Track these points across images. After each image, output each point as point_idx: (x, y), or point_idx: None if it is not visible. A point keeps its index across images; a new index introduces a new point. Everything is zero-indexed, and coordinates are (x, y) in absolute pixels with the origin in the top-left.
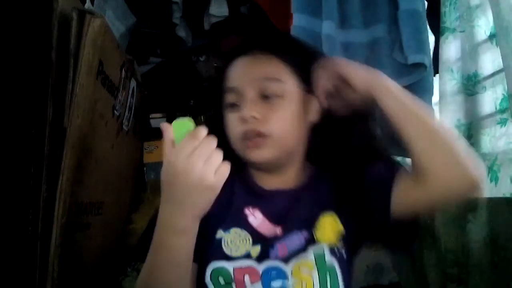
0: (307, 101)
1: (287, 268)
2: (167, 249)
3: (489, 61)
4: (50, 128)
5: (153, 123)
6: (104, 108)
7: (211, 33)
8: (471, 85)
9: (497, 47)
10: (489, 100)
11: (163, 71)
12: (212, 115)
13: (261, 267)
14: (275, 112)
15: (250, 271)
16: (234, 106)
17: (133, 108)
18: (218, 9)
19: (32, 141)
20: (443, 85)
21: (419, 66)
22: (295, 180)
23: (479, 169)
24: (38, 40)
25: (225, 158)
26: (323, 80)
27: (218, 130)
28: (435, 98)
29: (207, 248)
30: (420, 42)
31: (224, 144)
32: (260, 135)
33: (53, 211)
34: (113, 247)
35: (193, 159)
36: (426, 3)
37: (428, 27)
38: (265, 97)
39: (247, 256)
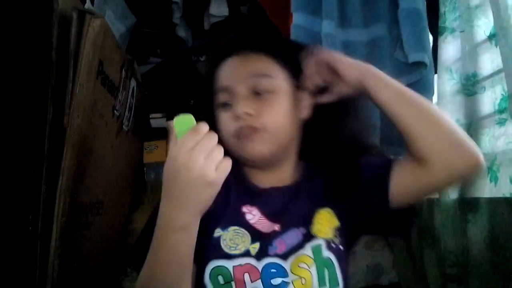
0: (298, 98)
1: (286, 265)
2: (166, 247)
3: (489, 61)
4: (50, 128)
5: (153, 123)
6: (104, 108)
7: (211, 33)
8: (470, 85)
9: (496, 47)
10: (488, 100)
11: (163, 71)
12: (203, 118)
13: (260, 265)
14: (268, 107)
15: (250, 269)
16: (225, 105)
17: (133, 108)
18: (218, 9)
19: (32, 141)
20: (442, 85)
21: (420, 65)
22: (289, 178)
23: (477, 149)
24: (38, 40)
25: None
26: (311, 68)
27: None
28: (434, 98)
29: (205, 248)
30: (421, 40)
31: None
32: (255, 130)
33: (53, 211)
34: (113, 247)
35: (194, 154)
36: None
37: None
38: (256, 93)
39: (247, 253)
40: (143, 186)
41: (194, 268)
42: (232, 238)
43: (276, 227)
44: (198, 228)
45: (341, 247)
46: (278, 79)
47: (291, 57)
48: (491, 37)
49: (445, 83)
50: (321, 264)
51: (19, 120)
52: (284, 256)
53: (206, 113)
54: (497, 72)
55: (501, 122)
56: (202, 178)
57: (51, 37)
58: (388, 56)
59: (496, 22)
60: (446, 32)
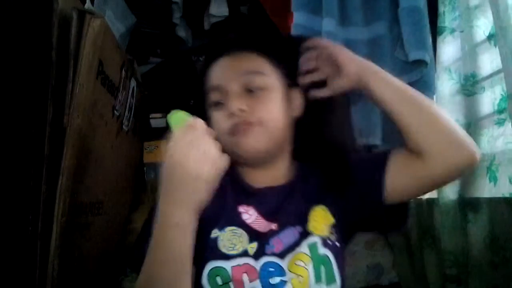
0: (291, 96)
1: (283, 263)
2: (162, 245)
3: (488, 61)
4: (50, 128)
5: (153, 123)
6: (104, 108)
7: (211, 33)
8: (469, 86)
9: (496, 47)
10: (488, 100)
11: (163, 71)
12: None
13: (258, 264)
14: (261, 104)
15: (248, 269)
16: (218, 104)
17: (133, 108)
18: (218, 9)
19: (32, 141)
20: (441, 85)
21: (420, 63)
22: (283, 177)
23: (475, 145)
24: (38, 40)
25: None
26: (310, 60)
27: None
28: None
29: (203, 249)
30: (421, 38)
31: None
32: (250, 124)
33: (53, 211)
34: (113, 247)
35: (190, 150)
36: None
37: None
38: (249, 91)
39: (245, 253)
40: (143, 186)
41: (193, 270)
42: (229, 239)
43: (273, 226)
44: (196, 227)
45: (337, 243)
46: (271, 77)
47: (284, 57)
48: (491, 37)
49: (444, 83)
50: (318, 261)
51: (19, 120)
52: (281, 255)
53: (200, 113)
54: (497, 72)
55: (500, 122)
56: (197, 174)
57: (51, 37)
58: (389, 55)
59: (495, 22)
60: (445, 32)
